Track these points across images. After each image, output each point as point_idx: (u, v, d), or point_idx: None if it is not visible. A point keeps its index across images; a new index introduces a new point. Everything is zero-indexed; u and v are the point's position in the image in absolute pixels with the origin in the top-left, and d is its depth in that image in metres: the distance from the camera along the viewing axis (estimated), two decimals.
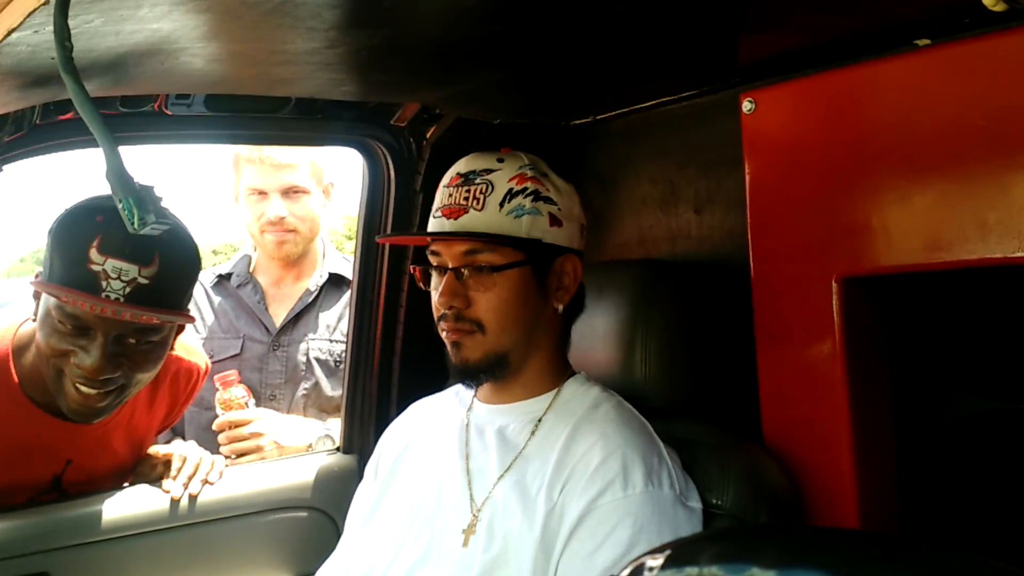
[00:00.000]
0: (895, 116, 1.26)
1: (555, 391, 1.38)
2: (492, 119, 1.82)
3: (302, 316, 2.23)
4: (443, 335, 1.37)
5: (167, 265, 1.47)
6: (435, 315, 1.37)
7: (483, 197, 1.33)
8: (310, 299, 2.24)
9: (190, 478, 1.74)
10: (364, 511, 1.49)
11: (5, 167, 1.47)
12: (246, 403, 2.02)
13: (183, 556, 1.73)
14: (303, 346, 2.20)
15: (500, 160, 1.36)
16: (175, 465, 1.75)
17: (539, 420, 1.35)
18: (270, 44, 1.22)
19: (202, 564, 1.76)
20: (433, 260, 1.38)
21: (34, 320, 1.53)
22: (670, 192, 1.78)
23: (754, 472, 1.35)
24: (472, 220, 1.33)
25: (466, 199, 1.34)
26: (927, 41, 1.24)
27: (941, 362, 1.62)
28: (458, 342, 1.34)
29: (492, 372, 1.35)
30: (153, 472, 1.76)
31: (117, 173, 0.91)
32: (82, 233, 1.45)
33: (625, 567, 0.49)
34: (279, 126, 1.74)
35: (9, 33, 0.89)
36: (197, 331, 2.21)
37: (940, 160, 1.22)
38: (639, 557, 0.49)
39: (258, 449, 1.99)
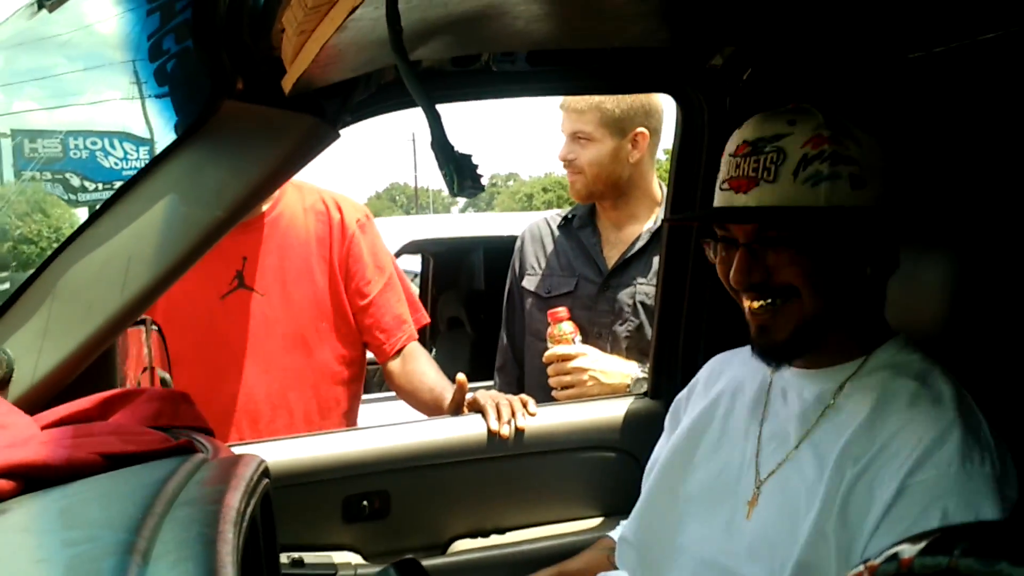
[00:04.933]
0: None
1: (863, 357, 1.28)
2: (812, 56, 1.74)
3: (633, 260, 2.30)
4: (748, 313, 1.30)
5: None
6: (730, 288, 1.31)
7: (774, 167, 1.22)
8: (641, 244, 2.30)
9: (512, 416, 1.91)
10: (664, 472, 1.51)
11: (357, 123, 1.65)
12: (573, 338, 2.17)
13: (501, 483, 1.91)
14: (630, 289, 2.27)
15: (791, 123, 1.23)
16: (492, 412, 1.92)
17: (841, 387, 1.28)
18: (586, 1, 1.26)
19: (518, 491, 1.92)
20: (719, 232, 1.32)
21: None
22: None
23: None
24: (763, 194, 1.23)
25: (755, 170, 1.23)
26: None
27: None
28: (765, 324, 1.27)
29: (803, 346, 1.27)
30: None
31: (441, 144, 1.00)
32: None
33: (880, 554, 0.49)
34: (596, 76, 1.78)
35: (354, 10, 1.00)
36: (537, 269, 2.42)
37: None
38: (896, 544, 0.48)
39: (580, 383, 2.13)
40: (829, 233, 1.23)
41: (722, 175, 1.31)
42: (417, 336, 2.31)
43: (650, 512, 1.51)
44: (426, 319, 2.40)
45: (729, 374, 1.51)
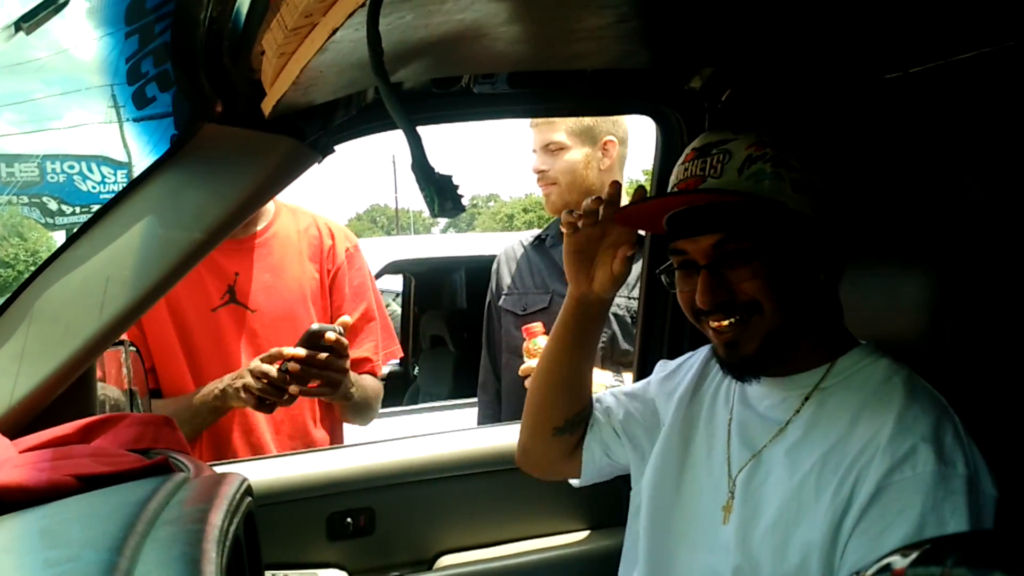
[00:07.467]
0: None
1: (829, 364, 1.30)
2: (791, 76, 1.76)
3: None
4: (711, 335, 1.32)
5: None
6: (691, 314, 1.34)
7: (720, 165, 1.27)
8: None
9: None
10: (647, 473, 1.50)
11: (338, 146, 1.65)
12: None
13: (487, 498, 1.91)
14: None
15: (736, 132, 1.29)
16: None
17: (811, 393, 1.29)
18: (565, 23, 1.27)
19: (503, 506, 1.93)
20: (676, 259, 1.34)
21: None
22: None
23: None
24: (709, 187, 1.28)
25: (702, 170, 1.28)
26: None
27: None
28: (733, 340, 1.28)
29: (772, 357, 1.29)
30: None
31: (421, 166, 1.01)
32: None
33: (872, 565, 0.49)
34: (576, 98, 1.80)
35: (334, 32, 1.01)
36: (512, 289, 2.48)
37: None
38: (887, 555, 0.48)
39: None
40: (778, 233, 1.25)
41: (671, 183, 1.35)
42: (380, 372, 2.34)
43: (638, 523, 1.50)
44: (399, 353, 2.43)
45: (699, 376, 1.52)
